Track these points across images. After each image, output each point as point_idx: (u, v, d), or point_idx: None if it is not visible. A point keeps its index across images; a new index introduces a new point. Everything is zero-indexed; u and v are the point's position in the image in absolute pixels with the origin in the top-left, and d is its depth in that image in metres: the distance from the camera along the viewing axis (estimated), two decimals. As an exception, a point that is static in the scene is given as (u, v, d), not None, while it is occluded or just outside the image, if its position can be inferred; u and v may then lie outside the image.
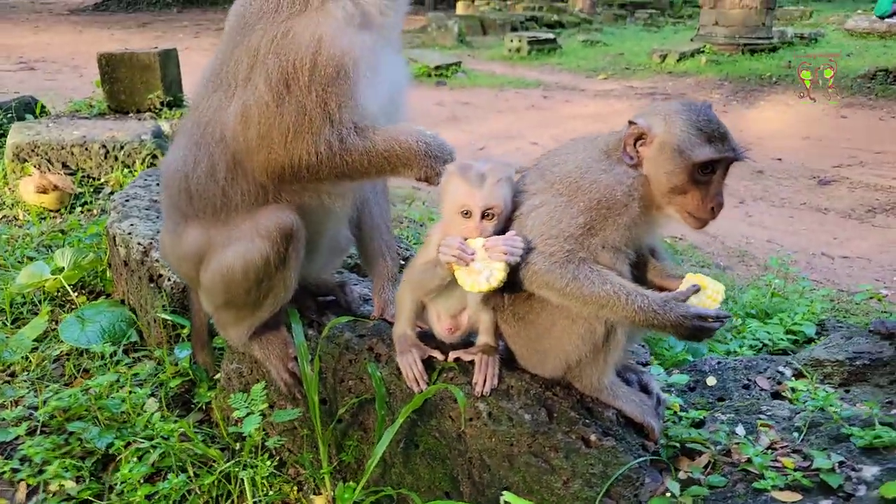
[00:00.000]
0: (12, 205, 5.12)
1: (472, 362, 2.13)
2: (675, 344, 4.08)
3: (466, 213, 1.93)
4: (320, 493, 2.32)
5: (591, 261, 1.84)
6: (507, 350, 2.16)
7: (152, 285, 3.04)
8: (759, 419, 2.30)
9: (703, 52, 17.19)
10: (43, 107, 7.11)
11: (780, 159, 10.97)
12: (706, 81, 15.76)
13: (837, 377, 2.72)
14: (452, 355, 2.15)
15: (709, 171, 1.80)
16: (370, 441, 2.25)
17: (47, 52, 16.83)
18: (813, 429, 2.20)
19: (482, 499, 2.09)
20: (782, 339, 5.23)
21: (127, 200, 3.51)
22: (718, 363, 2.81)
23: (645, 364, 2.66)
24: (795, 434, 2.20)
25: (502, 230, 1.96)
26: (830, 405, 2.27)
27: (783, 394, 2.59)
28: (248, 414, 2.19)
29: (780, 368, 2.79)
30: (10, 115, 6.85)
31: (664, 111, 1.86)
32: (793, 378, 2.71)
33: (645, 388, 2.19)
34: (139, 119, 6.78)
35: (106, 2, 30.35)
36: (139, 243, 3.11)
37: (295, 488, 2.39)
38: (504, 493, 1.72)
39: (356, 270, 3.05)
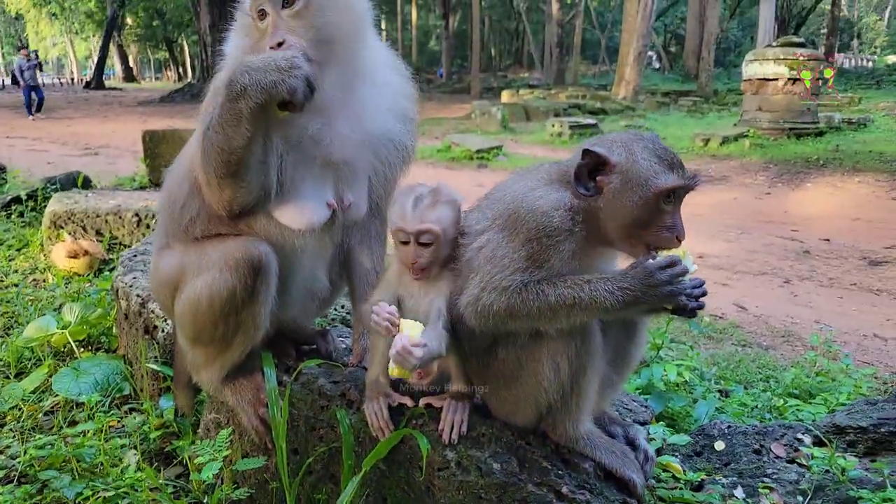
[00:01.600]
0: (44, 269, 5.29)
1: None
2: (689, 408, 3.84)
3: (404, 241, 1.87)
4: (286, 552, 2.17)
5: (545, 278, 1.74)
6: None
7: (147, 336, 3.03)
8: (763, 482, 2.08)
9: (746, 136, 17.16)
10: (86, 179, 7.46)
11: (827, 240, 10.63)
12: (750, 164, 15.64)
13: (862, 445, 2.47)
14: (423, 401, 2.04)
15: (670, 199, 1.72)
16: (340, 494, 2.11)
17: (111, 140, 17.98)
18: (819, 492, 1.97)
19: (451, 560, 1.91)
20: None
21: (134, 256, 3.57)
22: (729, 427, 2.59)
23: (644, 423, 2.47)
24: (800, 498, 1.97)
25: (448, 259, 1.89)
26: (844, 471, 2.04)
27: (799, 461, 2.36)
28: (210, 460, 2.09)
29: (799, 435, 2.55)
30: (55, 188, 7.21)
31: (621, 140, 1.79)
32: (811, 446, 2.47)
33: (631, 443, 2.01)
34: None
35: (172, 94, 32.53)
36: (138, 295, 3.13)
37: (262, 546, 2.25)
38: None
39: (348, 325, 2.98)
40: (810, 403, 5.21)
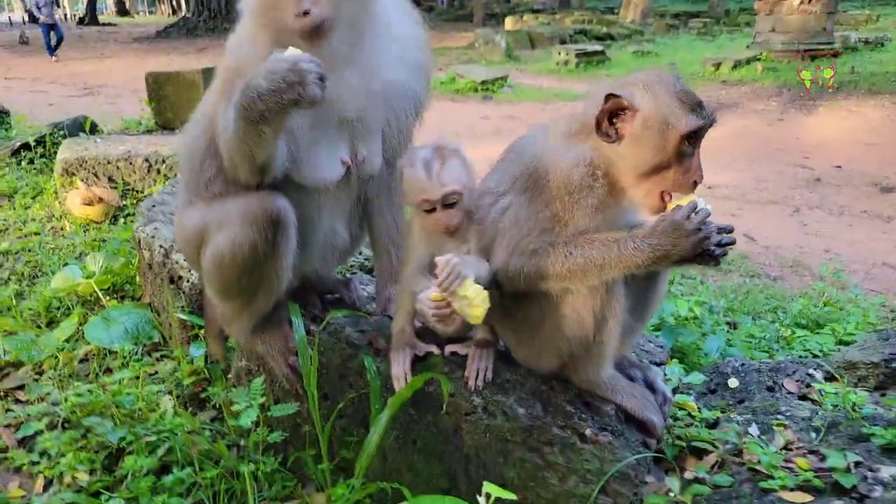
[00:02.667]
0: (60, 217, 5.34)
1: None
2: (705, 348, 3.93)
3: (428, 209, 1.90)
4: (322, 491, 2.30)
5: (572, 237, 1.77)
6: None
7: (172, 286, 3.11)
8: (776, 419, 2.17)
9: (759, 59, 16.69)
10: (93, 124, 7.41)
11: (839, 167, 10.52)
12: (762, 89, 15.29)
13: (872, 380, 2.55)
14: (448, 349, 2.11)
15: (692, 140, 1.72)
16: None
17: (110, 78, 17.70)
18: (832, 429, 2.06)
19: (478, 494, 2.03)
20: (833, 350, 4.97)
21: (153, 206, 3.61)
22: (742, 365, 2.67)
23: (660, 364, 2.55)
24: (813, 434, 2.06)
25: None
26: (854, 406, 2.12)
27: (811, 397, 2.44)
28: (247, 407, 2.19)
29: (811, 371, 2.63)
30: (63, 133, 7.18)
31: (642, 81, 1.77)
32: (823, 381, 2.55)
33: (650, 386, 2.09)
34: (184, 134, 7.02)
35: (167, 29, 31.72)
36: (161, 246, 3.19)
37: (298, 485, 2.38)
38: (485, 483, 1.66)
39: (371, 272, 3.04)
40: (818, 333, 5.30)
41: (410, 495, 2.01)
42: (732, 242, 1.72)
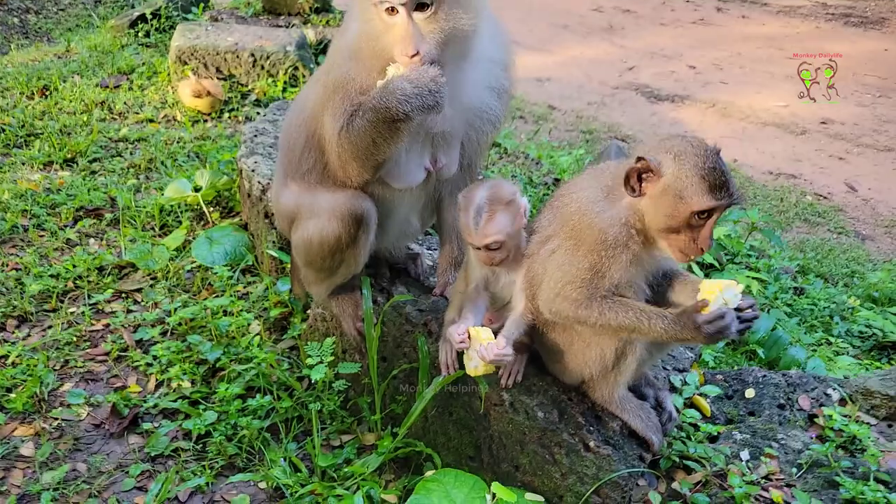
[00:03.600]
0: (172, 104, 5.81)
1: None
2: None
3: (475, 247, 2.14)
4: (373, 432, 2.77)
5: (611, 295, 2.01)
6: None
7: (266, 220, 3.52)
8: (769, 446, 2.42)
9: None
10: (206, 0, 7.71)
11: None
12: (913, 2, 13.64)
13: (884, 410, 2.71)
14: (489, 348, 2.43)
15: (705, 216, 1.88)
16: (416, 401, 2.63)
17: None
18: (814, 468, 2.30)
19: (497, 469, 2.43)
20: (893, 332, 4.97)
21: (255, 136, 3.96)
22: (763, 376, 2.87)
23: (683, 371, 2.79)
24: (794, 469, 2.31)
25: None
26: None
27: (816, 419, 2.65)
28: (318, 362, 2.63)
29: (828, 391, 2.81)
30: (177, 5, 7.52)
31: (675, 150, 1.91)
32: (836, 404, 2.74)
33: (660, 404, 2.37)
34: (287, 27, 7.21)
35: None
36: (259, 182, 3.57)
37: (355, 422, 2.86)
38: (494, 483, 2.04)
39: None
40: (881, 312, 5.25)
41: (440, 461, 2.44)
42: (749, 327, 1.92)
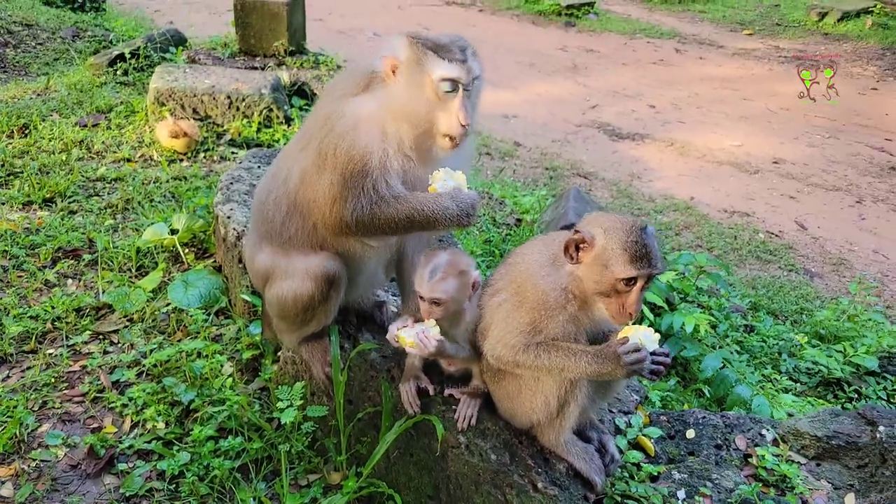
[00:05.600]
0: (149, 144, 5.98)
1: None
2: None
3: (420, 297, 2.38)
4: (339, 472, 2.94)
5: (545, 341, 2.24)
6: (494, 395, 2.62)
7: (240, 266, 3.69)
8: (704, 486, 2.65)
9: (871, 12, 15.51)
10: (182, 38, 7.92)
11: (925, 156, 10.10)
12: (865, 49, 14.33)
13: (812, 450, 2.96)
14: (447, 392, 2.64)
15: (631, 283, 2.14)
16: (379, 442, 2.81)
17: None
18: (742, 506, 2.53)
19: (455, 507, 2.62)
20: (838, 369, 5.27)
21: (232, 182, 4.15)
22: (703, 417, 3.11)
23: (627, 413, 3.02)
24: (725, 509, 2.54)
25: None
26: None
27: (751, 459, 2.89)
28: (288, 406, 2.80)
29: (763, 431, 3.06)
30: (156, 47, 7.71)
31: (605, 225, 2.19)
32: (769, 444, 2.98)
33: (603, 446, 2.59)
34: (262, 69, 7.45)
35: None
36: (234, 229, 3.75)
37: (321, 462, 3.02)
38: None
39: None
40: (825, 349, 5.55)
41: (401, 501, 2.62)
42: (663, 370, 2.20)
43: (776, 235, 7.82)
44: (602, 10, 16.05)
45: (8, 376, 3.38)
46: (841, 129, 10.66)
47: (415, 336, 2.38)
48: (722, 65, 13.13)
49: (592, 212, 2.39)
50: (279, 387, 2.91)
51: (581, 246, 2.18)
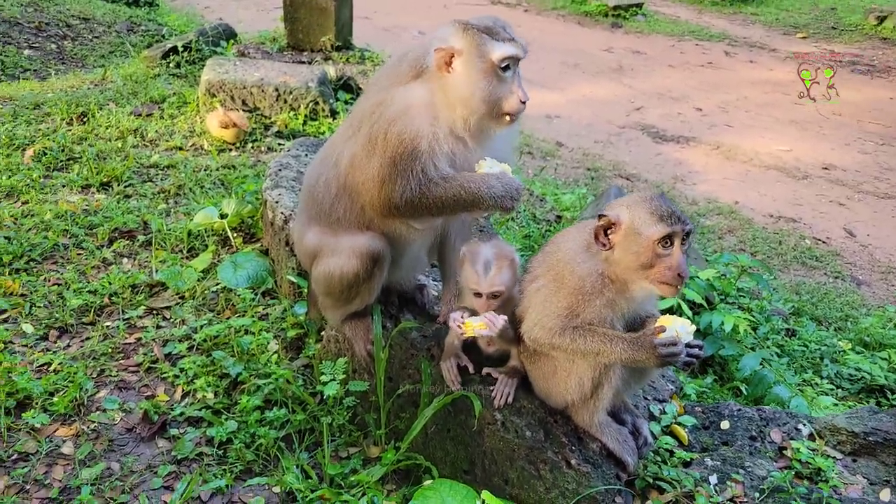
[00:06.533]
0: (200, 133, 6.19)
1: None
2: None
3: (477, 294, 2.44)
4: (378, 445, 3.04)
5: (583, 325, 2.30)
6: (531, 375, 2.68)
7: (287, 248, 3.83)
8: (737, 472, 2.67)
9: (932, 18, 15.04)
10: (233, 32, 8.14)
11: None
12: (923, 55, 13.93)
13: (849, 446, 2.95)
14: (485, 371, 2.72)
15: (668, 244, 2.19)
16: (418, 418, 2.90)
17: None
18: (774, 493, 2.54)
19: (489, 482, 2.69)
20: (881, 376, 5.17)
21: (280, 169, 4.30)
22: (738, 410, 3.12)
23: (662, 401, 3.05)
24: (757, 494, 2.55)
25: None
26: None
27: (785, 451, 2.89)
28: (331, 380, 2.92)
29: (799, 426, 3.05)
30: (207, 40, 7.97)
31: (626, 202, 2.27)
32: (805, 438, 2.98)
33: (637, 430, 2.63)
34: (310, 63, 7.62)
35: None
36: (282, 213, 3.89)
37: (361, 436, 3.12)
38: (483, 492, 2.30)
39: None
40: (869, 356, 5.44)
41: (437, 473, 2.70)
42: (698, 358, 2.22)
43: (823, 242, 7.67)
44: (650, 11, 15.91)
45: (69, 345, 3.57)
46: (895, 137, 10.37)
47: (482, 319, 2.46)
48: (773, 68, 12.87)
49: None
50: (322, 362, 3.02)
51: (610, 229, 2.24)
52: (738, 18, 16.27)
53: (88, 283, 3.98)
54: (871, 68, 13.31)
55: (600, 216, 2.25)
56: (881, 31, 15.02)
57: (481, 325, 2.43)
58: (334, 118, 6.57)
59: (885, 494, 2.70)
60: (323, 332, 3.44)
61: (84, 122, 6.18)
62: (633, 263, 2.23)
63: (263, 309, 3.88)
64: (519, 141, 2.92)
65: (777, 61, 13.36)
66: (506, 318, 2.44)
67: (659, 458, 2.73)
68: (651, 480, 2.59)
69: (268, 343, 3.55)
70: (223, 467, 2.92)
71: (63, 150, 5.54)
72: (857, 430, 2.96)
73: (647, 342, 2.21)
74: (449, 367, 2.73)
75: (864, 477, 2.83)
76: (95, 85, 7.29)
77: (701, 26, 15.31)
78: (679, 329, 2.21)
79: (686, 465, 2.75)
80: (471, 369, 2.72)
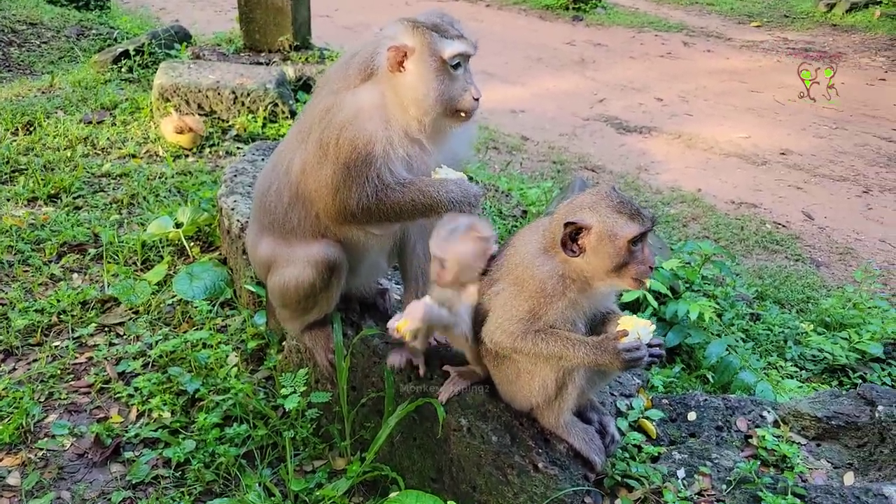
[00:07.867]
0: (154, 140, 6.02)
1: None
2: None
3: (433, 255, 2.40)
4: (343, 457, 2.96)
5: (543, 328, 2.25)
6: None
7: (245, 257, 3.72)
8: (704, 465, 2.65)
9: (879, 3, 15.37)
10: (187, 34, 7.95)
11: (937, 146, 9.99)
12: (874, 40, 14.21)
13: (812, 431, 2.95)
14: (445, 368, 2.66)
15: (638, 242, 2.17)
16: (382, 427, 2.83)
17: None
18: (741, 485, 2.53)
19: (457, 489, 2.64)
20: (843, 356, 5.25)
21: (235, 175, 4.18)
22: (704, 400, 3.11)
23: (629, 396, 3.02)
24: (724, 486, 2.54)
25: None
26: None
27: (751, 440, 2.89)
28: (291, 392, 2.83)
29: (764, 413, 3.05)
30: (160, 43, 7.76)
31: (587, 204, 2.22)
32: (770, 425, 2.98)
33: (604, 428, 2.59)
34: (267, 64, 7.47)
35: None
36: (238, 220, 3.78)
37: (326, 449, 3.04)
38: (449, 502, 2.24)
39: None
40: (830, 336, 5.53)
41: (405, 483, 2.64)
42: (660, 357, 2.23)
43: (783, 226, 7.79)
44: (609, 3, 16.01)
45: (14, 368, 3.42)
46: (848, 120, 10.58)
47: (405, 314, 2.38)
48: (730, 57, 13.04)
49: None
50: (283, 374, 2.93)
51: (579, 235, 2.19)
52: (694, 9, 16.47)
53: (35, 301, 3.82)
54: (824, 54, 13.57)
55: (566, 224, 2.19)
56: (831, 18, 15.33)
57: (405, 322, 2.36)
58: (294, 120, 6.43)
59: (849, 478, 2.71)
60: (284, 343, 3.35)
61: (30, 132, 5.97)
62: (608, 265, 2.19)
63: (222, 321, 3.77)
64: (476, 138, 2.84)
65: (733, 50, 13.55)
66: (426, 304, 2.36)
67: (627, 455, 2.69)
68: (619, 478, 2.55)
69: (227, 356, 3.45)
70: (181, 490, 2.82)
71: (7, 162, 5.33)
72: (820, 415, 2.96)
73: (609, 347, 2.18)
74: (398, 361, 2.68)
75: (827, 461, 2.84)
76: (43, 92, 7.04)
77: (659, 17, 15.45)
78: (641, 331, 2.19)
79: (654, 459, 2.72)
80: (422, 371, 2.67)
